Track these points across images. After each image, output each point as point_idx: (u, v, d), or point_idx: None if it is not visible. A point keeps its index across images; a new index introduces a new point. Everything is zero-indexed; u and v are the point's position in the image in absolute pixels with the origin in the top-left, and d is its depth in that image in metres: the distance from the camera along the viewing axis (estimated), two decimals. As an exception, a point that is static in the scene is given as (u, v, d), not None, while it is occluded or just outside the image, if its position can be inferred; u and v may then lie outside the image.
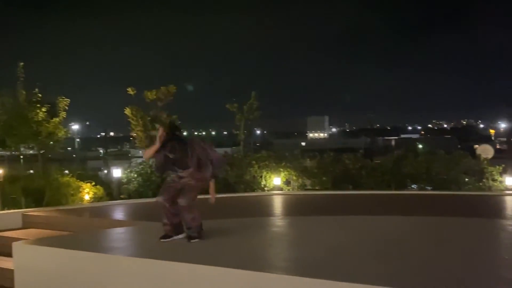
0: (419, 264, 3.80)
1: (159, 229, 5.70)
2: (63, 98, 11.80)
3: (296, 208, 8.21)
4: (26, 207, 8.89)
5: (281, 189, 11.60)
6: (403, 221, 5.87)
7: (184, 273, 3.87)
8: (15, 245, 4.90)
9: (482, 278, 3.43)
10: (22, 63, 11.77)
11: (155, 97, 13.44)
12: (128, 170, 11.93)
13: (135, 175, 11.63)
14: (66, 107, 11.83)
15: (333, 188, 11.33)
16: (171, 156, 4.75)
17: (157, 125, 4.96)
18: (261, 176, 12.00)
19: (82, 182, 10.67)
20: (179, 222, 4.80)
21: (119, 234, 5.63)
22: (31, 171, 11.85)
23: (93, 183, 10.90)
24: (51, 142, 11.58)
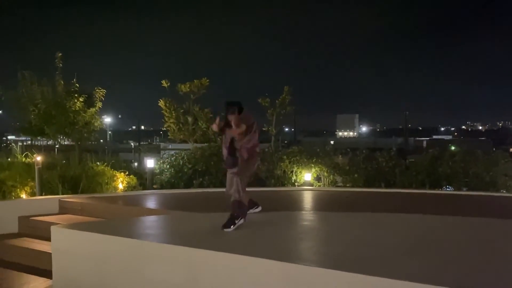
0: (454, 262, 3.68)
1: (190, 218, 5.76)
2: (100, 89, 12.12)
3: (327, 203, 8.10)
4: (63, 194, 9.16)
5: (312, 185, 11.51)
6: (437, 220, 5.70)
7: (217, 262, 3.88)
8: (53, 229, 5.02)
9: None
10: (60, 54, 12.12)
11: (188, 90, 13.60)
12: (161, 161, 12.12)
13: (168, 166, 11.80)
14: (102, 98, 12.16)
15: (365, 185, 11.15)
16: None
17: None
18: (291, 172, 11.94)
19: (116, 171, 10.91)
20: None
21: (151, 222, 5.70)
22: (66, 160, 12.20)
23: (127, 173, 11.13)
24: (87, 132, 11.92)
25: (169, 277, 4.10)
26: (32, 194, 9.56)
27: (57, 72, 12.36)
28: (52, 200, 7.82)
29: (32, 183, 9.65)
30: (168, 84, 13.82)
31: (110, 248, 4.55)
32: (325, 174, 12.00)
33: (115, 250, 4.52)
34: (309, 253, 4.12)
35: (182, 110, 13.57)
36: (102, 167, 10.80)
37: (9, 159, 11.96)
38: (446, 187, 11.06)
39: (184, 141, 14.33)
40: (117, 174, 10.75)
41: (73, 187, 9.71)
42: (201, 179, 11.14)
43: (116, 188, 10.48)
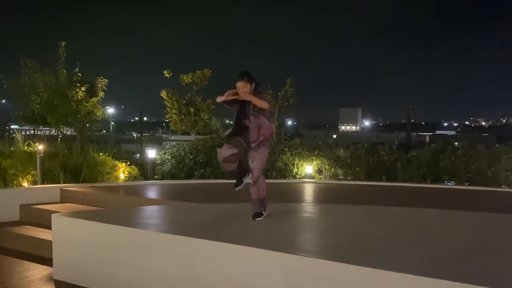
0: (453, 255, 3.68)
1: (191, 208, 5.77)
2: (102, 78, 12.09)
3: (328, 196, 8.11)
4: (64, 183, 9.19)
5: (313, 178, 11.51)
6: (438, 214, 5.70)
7: (216, 252, 3.89)
8: (54, 217, 5.04)
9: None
10: (63, 43, 12.09)
11: (190, 80, 13.56)
12: (162, 152, 12.14)
13: (169, 157, 11.81)
14: (105, 87, 12.14)
15: (366, 179, 11.15)
16: None
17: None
18: (293, 164, 11.94)
19: (117, 161, 10.93)
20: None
21: (152, 212, 5.71)
22: (68, 150, 12.23)
23: (128, 163, 11.15)
24: (89, 121, 11.92)
25: (169, 266, 4.12)
26: (34, 182, 9.60)
27: (59, 61, 12.35)
28: (53, 188, 7.85)
29: (34, 172, 9.68)
30: (171, 74, 13.77)
31: (110, 237, 4.57)
32: (327, 167, 12.00)
33: (115, 239, 4.54)
34: (308, 244, 4.12)
35: (184, 101, 13.54)
36: (104, 157, 10.82)
37: (11, 148, 12.00)
38: (448, 182, 11.04)
39: (186, 132, 14.33)
40: (118, 164, 10.77)
41: (75, 176, 9.73)
42: (202, 170, 11.15)
43: (117, 178, 10.51)
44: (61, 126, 12.98)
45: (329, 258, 3.44)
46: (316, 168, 12.08)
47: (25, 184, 9.62)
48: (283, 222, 4.93)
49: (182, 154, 11.60)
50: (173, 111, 13.47)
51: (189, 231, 4.28)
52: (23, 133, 16.63)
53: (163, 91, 13.63)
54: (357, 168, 11.61)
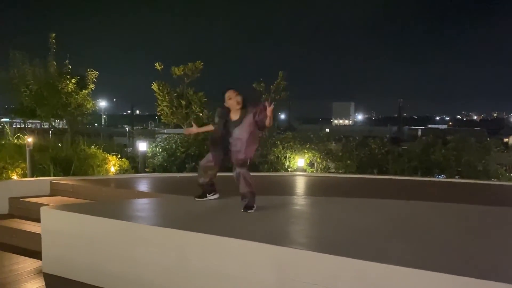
0: (442, 247, 3.70)
1: (182, 201, 5.74)
2: (92, 71, 11.98)
3: (319, 189, 8.12)
4: (54, 176, 9.11)
5: (305, 171, 11.53)
6: (429, 207, 5.73)
7: (207, 244, 3.87)
8: (43, 210, 4.99)
9: (510, 264, 3.31)
10: (53, 34, 11.94)
11: (182, 73, 13.46)
12: (153, 145, 12.07)
13: (160, 150, 11.75)
14: (95, 80, 12.03)
15: (358, 172, 11.18)
16: None
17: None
18: (285, 157, 11.94)
19: (108, 154, 10.86)
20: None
21: (142, 205, 5.68)
22: (59, 143, 12.14)
23: (119, 156, 11.08)
24: (79, 114, 11.81)
25: (160, 259, 4.10)
26: (23, 175, 9.50)
27: (49, 53, 12.21)
28: (43, 181, 7.77)
29: (24, 165, 9.59)
30: (162, 66, 13.66)
31: (101, 230, 4.53)
32: (318, 160, 12.02)
33: (105, 232, 4.51)
34: (299, 237, 4.12)
35: (175, 94, 13.45)
36: (94, 150, 10.74)
37: (1, 141, 11.86)
38: (438, 176, 11.12)
39: (178, 126, 14.26)
40: (109, 157, 10.70)
41: (65, 169, 9.65)
42: (194, 163, 11.11)
43: (108, 171, 10.44)
44: (51, 118, 12.85)
45: (320, 251, 3.44)
46: (308, 161, 12.10)
47: (15, 177, 9.52)
48: (275, 215, 4.93)
49: (174, 147, 11.54)
50: (164, 104, 13.38)
51: (180, 224, 4.26)
52: (13, 126, 16.46)
53: (154, 84, 13.52)
54: (349, 161, 11.65)
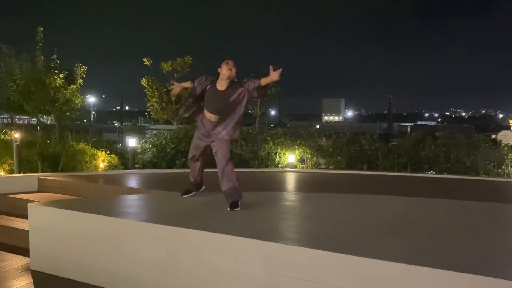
0: (433, 242, 3.72)
1: (172, 198, 5.70)
2: (81, 65, 11.84)
3: (310, 185, 8.13)
4: (42, 172, 9.00)
5: (295, 167, 11.54)
6: (417, 202, 5.76)
7: (197, 240, 3.85)
8: (31, 206, 4.92)
9: (499, 261, 3.33)
10: (41, 28, 11.76)
11: (171, 68, 13.38)
12: (143, 141, 11.99)
13: (150, 146, 11.67)
14: (84, 75, 11.89)
15: (348, 168, 11.22)
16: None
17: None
18: (275, 153, 11.94)
19: (97, 150, 10.76)
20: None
21: (132, 201, 5.63)
22: (47, 138, 12.01)
23: (108, 152, 10.98)
24: (68, 109, 11.68)
25: (150, 256, 4.06)
26: (11, 171, 9.38)
27: (37, 47, 12.03)
28: (31, 177, 7.67)
29: (11, 161, 9.46)
30: (151, 62, 13.56)
31: (89, 227, 4.48)
32: (309, 156, 12.04)
33: (93, 228, 4.45)
34: (290, 232, 4.11)
35: (165, 89, 13.36)
36: (83, 146, 10.63)
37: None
38: (428, 172, 11.19)
39: (168, 122, 14.18)
40: (98, 153, 10.60)
41: (53, 165, 9.54)
42: (184, 159, 11.05)
43: (96, 167, 10.35)
44: (39, 114, 12.69)
45: (310, 246, 3.43)
46: (298, 157, 12.12)
47: (1, 173, 9.39)
48: (265, 211, 4.91)
49: (163, 143, 11.47)
50: (154, 100, 13.30)
51: (169, 220, 4.22)
52: (0, 122, 16.23)
53: (144, 79, 13.43)
54: (339, 157, 11.67)
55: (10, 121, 17.32)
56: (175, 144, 11.43)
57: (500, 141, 11.54)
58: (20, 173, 8.92)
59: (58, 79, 11.60)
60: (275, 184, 7.93)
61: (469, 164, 10.65)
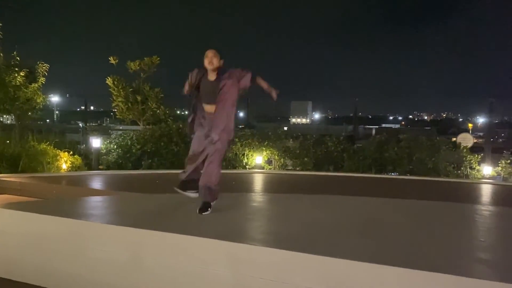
0: (395, 243, 3.80)
1: (137, 199, 5.61)
2: (42, 63, 11.46)
3: (277, 186, 8.17)
4: (1, 173, 8.66)
5: (263, 168, 11.58)
6: (381, 203, 5.89)
7: (161, 242, 3.79)
8: (-13, 208, 4.72)
9: (458, 258, 3.45)
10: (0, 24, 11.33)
11: (138, 67, 13.17)
12: (108, 141, 11.73)
13: (115, 147, 11.43)
14: (46, 73, 11.51)
15: (315, 169, 11.34)
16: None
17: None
18: (243, 154, 11.94)
19: (59, 151, 10.46)
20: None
21: (95, 202, 5.50)
22: (6, 139, 11.57)
23: (71, 153, 10.69)
24: (29, 108, 11.29)
25: (113, 258, 3.96)
26: (-33, 173, 8.97)
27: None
28: (-12, 179, 7.36)
29: (-33, 162, 9.06)
30: (117, 61, 13.29)
31: (50, 229, 4.34)
32: (276, 157, 12.11)
33: (54, 231, 4.31)
34: (256, 233, 4.12)
35: (131, 89, 13.12)
36: (45, 146, 10.30)
37: None
38: (391, 173, 11.47)
39: (134, 122, 13.93)
40: (60, 154, 10.30)
41: (13, 166, 9.19)
42: (150, 160, 10.89)
43: (59, 168, 10.04)
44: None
45: (276, 246, 3.44)
46: (266, 159, 12.17)
47: (-43, 175, 8.97)
48: (231, 212, 4.89)
49: (129, 143, 11.26)
50: (120, 99, 13.03)
51: (134, 222, 4.14)
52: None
53: (109, 78, 13.14)
54: (306, 159, 11.80)
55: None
56: (141, 144, 11.25)
57: (460, 143, 11.97)
58: (-24, 174, 8.54)
59: (19, 77, 11.19)
60: (242, 185, 7.94)
61: (430, 165, 10.98)
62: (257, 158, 11.70)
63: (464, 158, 11.09)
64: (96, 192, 6.44)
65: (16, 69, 11.31)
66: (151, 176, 8.73)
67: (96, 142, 10.47)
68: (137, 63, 12.97)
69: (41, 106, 12.29)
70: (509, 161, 11.12)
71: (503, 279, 2.86)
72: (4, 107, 11.53)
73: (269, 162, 12.38)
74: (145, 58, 13.08)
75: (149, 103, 13.25)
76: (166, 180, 8.23)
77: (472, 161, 10.98)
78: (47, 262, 4.30)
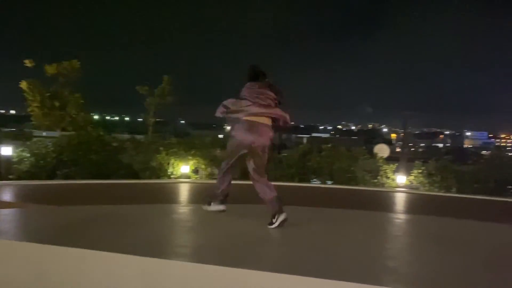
0: (307, 251, 3.92)
1: (49, 212, 5.29)
2: None
3: (201, 196, 8.10)
4: None
5: (189, 178, 11.44)
6: (301, 212, 6.04)
7: (69, 258, 3.60)
8: None
9: (366, 267, 3.61)
10: None
11: (56, 71, 12.47)
12: (20, 149, 10.95)
13: (28, 155, 10.70)
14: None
15: (242, 178, 11.39)
16: None
17: None
18: (168, 163, 11.72)
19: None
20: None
21: (3, 216, 5.10)
22: None
23: (-23, 161, 9.86)
24: None
25: (18, 276, 3.69)
26: None
27: None
28: None
29: None
30: (33, 64, 12.50)
31: None
32: (203, 166, 12.02)
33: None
34: (169, 246, 4.04)
35: (48, 94, 12.38)
36: None
37: None
38: (313, 180, 11.87)
39: (51, 128, 13.13)
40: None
41: None
42: (67, 169, 10.32)
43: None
44: None
45: (189, 260, 3.41)
46: (193, 168, 12.03)
47: None
48: (148, 224, 4.77)
49: (44, 151, 10.59)
50: (35, 104, 12.25)
51: (42, 237, 3.90)
52: None
53: (23, 82, 12.32)
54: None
55: None
56: (57, 153, 10.61)
57: (376, 153, 12.66)
58: None
59: None
60: (165, 196, 7.78)
61: (349, 174, 11.50)
62: (183, 167, 11.54)
63: (380, 168, 11.76)
64: (4, 205, 5.97)
65: None
66: (65, 187, 8.29)
67: (6, 150, 9.74)
68: (55, 66, 12.27)
69: None
70: (420, 170, 11.93)
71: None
72: None
73: (195, 171, 12.25)
74: (63, 62, 12.41)
75: (68, 109, 12.59)
76: (80, 190, 7.85)
77: (387, 171, 11.67)
78: None
